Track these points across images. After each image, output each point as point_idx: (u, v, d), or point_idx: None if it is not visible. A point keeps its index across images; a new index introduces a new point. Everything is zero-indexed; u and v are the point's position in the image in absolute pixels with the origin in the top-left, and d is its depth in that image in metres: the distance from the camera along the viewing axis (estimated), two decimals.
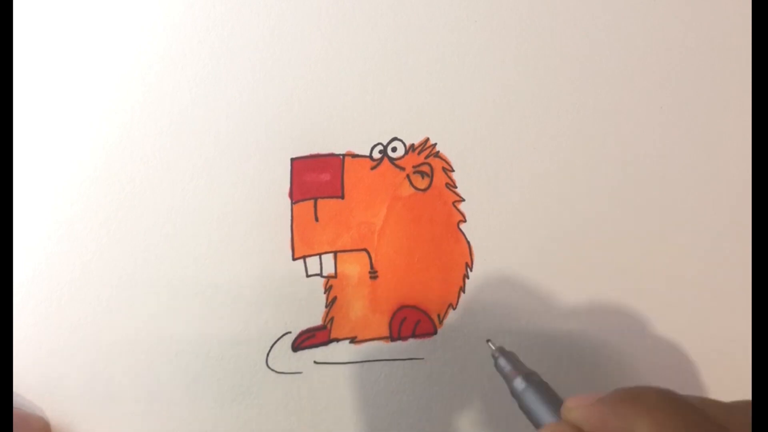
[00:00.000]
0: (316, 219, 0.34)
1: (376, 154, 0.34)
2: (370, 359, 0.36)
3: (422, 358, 0.36)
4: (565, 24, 0.35)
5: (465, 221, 0.35)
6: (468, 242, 0.35)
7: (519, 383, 0.28)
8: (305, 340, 0.35)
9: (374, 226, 0.35)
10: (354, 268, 0.35)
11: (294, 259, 0.34)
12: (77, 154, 0.32)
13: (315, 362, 0.35)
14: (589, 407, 0.24)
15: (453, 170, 0.35)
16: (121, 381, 0.34)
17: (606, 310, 0.37)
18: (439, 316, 0.36)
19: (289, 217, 0.34)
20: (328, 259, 0.35)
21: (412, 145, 0.35)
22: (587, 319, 0.37)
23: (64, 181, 0.32)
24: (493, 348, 0.30)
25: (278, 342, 0.35)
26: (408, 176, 0.35)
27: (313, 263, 0.35)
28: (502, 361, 0.29)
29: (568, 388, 0.27)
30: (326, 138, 0.34)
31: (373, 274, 0.35)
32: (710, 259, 0.38)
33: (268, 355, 0.35)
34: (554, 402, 0.27)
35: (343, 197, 0.34)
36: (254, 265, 0.34)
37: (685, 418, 0.22)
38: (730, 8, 0.37)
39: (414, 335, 0.36)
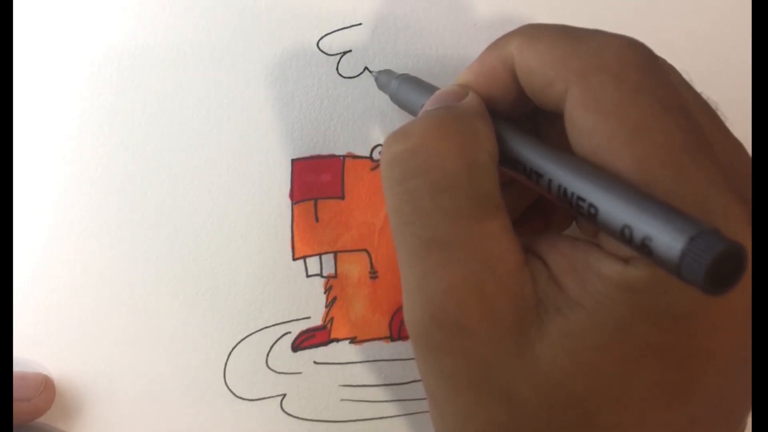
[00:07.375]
0: (317, 219, 0.34)
1: (377, 156, 0.34)
2: (370, 359, 0.36)
3: None
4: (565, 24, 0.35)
5: None
6: None
7: (395, 82, 0.30)
8: (305, 341, 0.35)
9: (374, 226, 0.35)
10: (354, 268, 0.35)
11: (294, 259, 0.34)
12: (77, 155, 0.32)
13: (315, 362, 0.35)
14: (475, 61, 0.24)
15: None
16: (121, 381, 0.34)
17: None
18: None
19: (290, 218, 0.34)
20: (328, 260, 0.35)
21: None
22: None
23: (64, 181, 0.32)
24: (373, 73, 0.32)
25: (278, 342, 0.35)
26: None
27: (313, 263, 0.35)
28: (381, 77, 0.31)
29: None
30: (327, 139, 0.34)
31: (374, 274, 0.35)
32: None
33: (267, 355, 0.35)
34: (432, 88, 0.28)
35: (343, 198, 0.34)
36: (254, 265, 0.34)
37: (553, 34, 0.22)
38: (730, 8, 0.36)
39: None
